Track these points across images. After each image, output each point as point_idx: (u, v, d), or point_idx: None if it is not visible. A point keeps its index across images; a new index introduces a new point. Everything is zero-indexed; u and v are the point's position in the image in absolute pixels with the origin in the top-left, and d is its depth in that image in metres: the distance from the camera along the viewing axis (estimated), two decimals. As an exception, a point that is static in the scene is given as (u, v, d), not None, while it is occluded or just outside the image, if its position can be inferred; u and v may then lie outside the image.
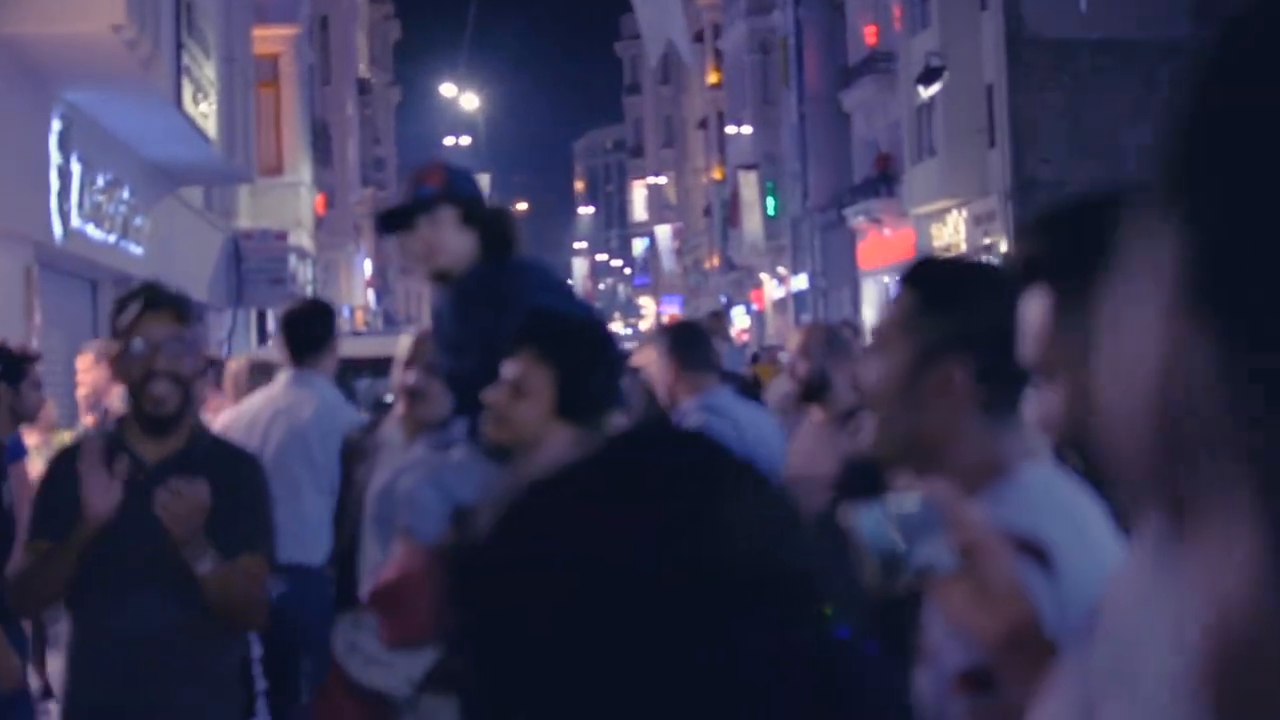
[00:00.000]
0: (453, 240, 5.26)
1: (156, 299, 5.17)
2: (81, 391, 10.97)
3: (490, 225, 5.31)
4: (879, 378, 2.95)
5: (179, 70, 18.77)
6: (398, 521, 4.89)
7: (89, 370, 11.14)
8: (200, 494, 4.90)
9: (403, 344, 6.68)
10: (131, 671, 5.03)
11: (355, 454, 6.84)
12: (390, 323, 67.56)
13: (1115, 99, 39.33)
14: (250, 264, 31.33)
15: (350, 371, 17.45)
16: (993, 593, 2.31)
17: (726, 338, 11.88)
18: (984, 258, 39.27)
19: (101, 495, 4.92)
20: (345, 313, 54.78)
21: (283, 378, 8.44)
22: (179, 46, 18.63)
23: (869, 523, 2.34)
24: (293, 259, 34.93)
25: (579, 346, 4.57)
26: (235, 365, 11.94)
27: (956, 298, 2.91)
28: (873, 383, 2.99)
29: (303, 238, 39.43)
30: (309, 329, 8.46)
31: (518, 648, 1.41)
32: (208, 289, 27.80)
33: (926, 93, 33.65)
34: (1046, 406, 2.60)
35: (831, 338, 7.75)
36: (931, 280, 2.99)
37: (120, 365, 5.18)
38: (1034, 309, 2.55)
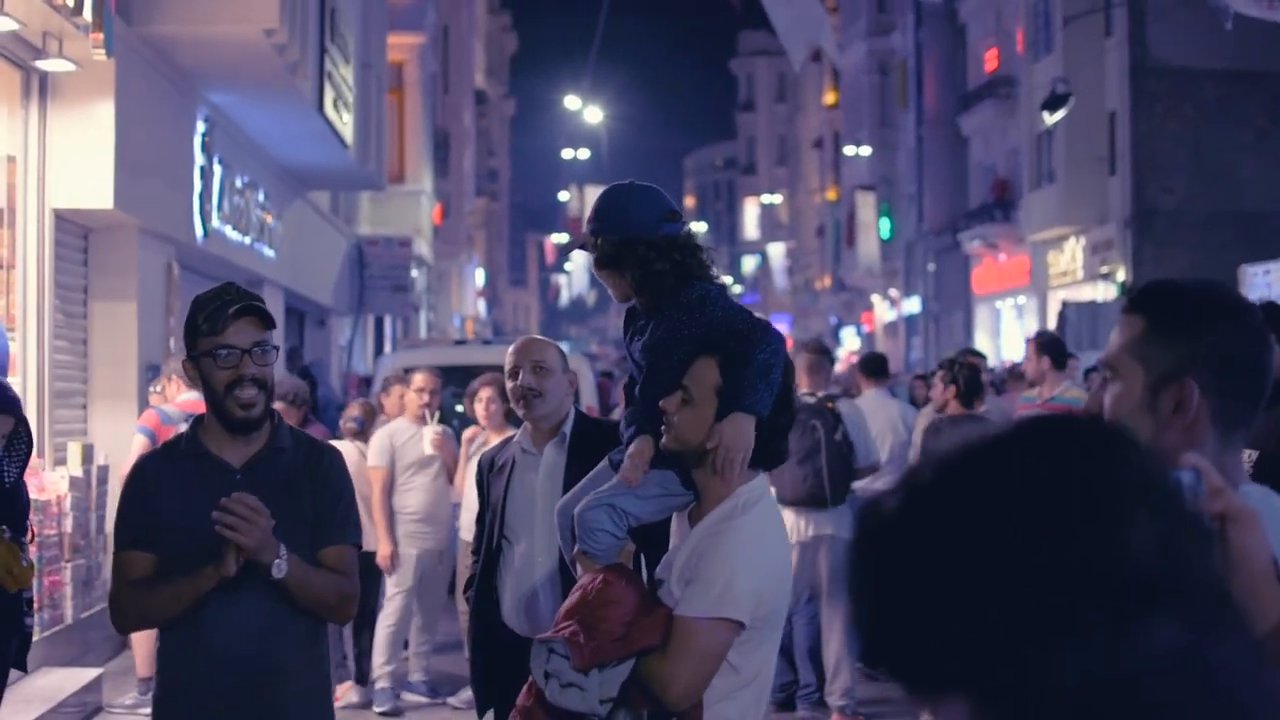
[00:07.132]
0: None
1: (245, 304, 5.15)
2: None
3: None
4: (1115, 401, 2.97)
5: (321, 75, 18.94)
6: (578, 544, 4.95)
7: None
8: (251, 503, 4.90)
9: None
10: (229, 677, 5.09)
11: (492, 471, 6.92)
12: (499, 333, 67.73)
13: (1237, 130, 39.10)
14: (374, 270, 31.58)
15: (466, 379, 17.63)
16: (1240, 557, 2.38)
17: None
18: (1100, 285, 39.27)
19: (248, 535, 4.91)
20: (456, 322, 55.15)
21: None
22: (322, 52, 18.82)
23: None
24: (413, 267, 35.20)
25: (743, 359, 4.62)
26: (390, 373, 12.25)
27: (1187, 321, 2.94)
28: (1110, 407, 3.00)
29: (422, 246, 39.70)
30: None
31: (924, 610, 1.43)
32: (332, 294, 28.05)
33: (1052, 119, 33.34)
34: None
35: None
36: (1160, 304, 3.01)
37: (206, 369, 5.14)
38: None
